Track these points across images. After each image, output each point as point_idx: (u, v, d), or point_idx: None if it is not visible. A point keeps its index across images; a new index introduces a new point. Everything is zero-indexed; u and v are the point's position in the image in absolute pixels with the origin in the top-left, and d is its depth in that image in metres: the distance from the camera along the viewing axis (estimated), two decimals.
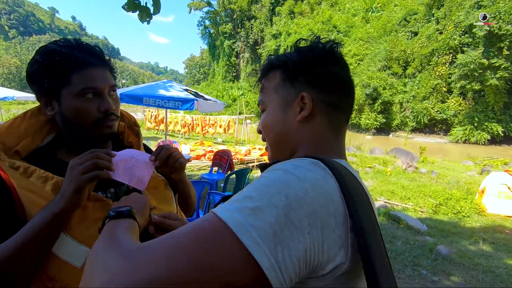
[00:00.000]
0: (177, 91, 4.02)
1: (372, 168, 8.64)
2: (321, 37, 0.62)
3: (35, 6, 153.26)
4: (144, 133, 14.39)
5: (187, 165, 6.94)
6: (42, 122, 0.75)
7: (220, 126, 12.17)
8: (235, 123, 11.65)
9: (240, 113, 12.94)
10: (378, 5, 30.32)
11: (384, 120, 24.39)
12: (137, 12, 2.07)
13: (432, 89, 21.99)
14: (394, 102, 24.35)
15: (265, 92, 0.62)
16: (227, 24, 40.96)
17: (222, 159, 4.44)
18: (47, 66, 0.68)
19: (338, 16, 32.22)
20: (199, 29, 44.25)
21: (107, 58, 0.78)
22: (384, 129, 25.03)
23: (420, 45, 23.50)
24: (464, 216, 4.60)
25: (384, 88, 24.44)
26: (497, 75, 18.17)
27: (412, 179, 7.66)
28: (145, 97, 3.66)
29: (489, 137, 19.09)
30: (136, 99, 3.67)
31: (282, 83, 0.59)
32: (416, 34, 25.13)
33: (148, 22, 2.02)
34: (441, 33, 22.03)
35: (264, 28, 37.84)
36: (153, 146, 10.54)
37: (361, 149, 12.37)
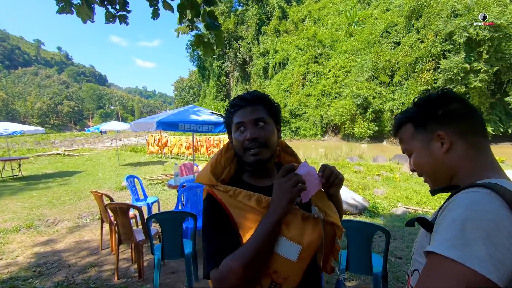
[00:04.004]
0: (206, 115, 4.17)
1: (380, 176, 8.85)
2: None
3: (20, 40, 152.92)
4: (146, 157, 14.34)
5: None
6: (232, 156, 0.98)
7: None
8: None
9: None
10: (359, 19, 31.75)
11: (377, 128, 25.02)
12: (201, 47, 2.24)
13: (419, 95, 22.73)
14: (385, 110, 25.08)
15: (405, 141, 0.82)
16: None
17: None
18: (226, 113, 0.98)
19: (322, 32, 33.51)
20: (187, 52, 45.04)
21: (257, 99, 0.95)
22: (377, 137, 25.60)
23: (404, 54, 24.57)
24: None
25: (374, 97, 25.22)
26: (479, 78, 19.12)
27: (421, 184, 7.87)
28: (180, 123, 3.79)
29: None
30: (172, 126, 3.80)
31: (416, 131, 0.78)
32: (398, 44, 26.31)
33: (212, 56, 2.20)
34: (422, 41, 23.14)
35: (251, 47, 38.87)
36: (160, 170, 10.52)
37: (364, 158, 12.65)
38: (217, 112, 4.40)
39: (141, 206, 4.53)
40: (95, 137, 36.19)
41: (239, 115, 0.92)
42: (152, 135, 13.67)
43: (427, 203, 6.04)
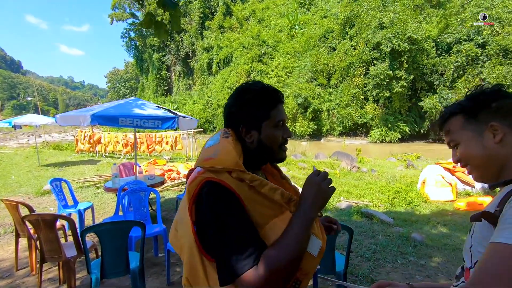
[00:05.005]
0: (152, 109, 3.71)
1: None
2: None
3: None
4: (75, 156, 12.63)
5: (162, 187, 6.27)
6: (241, 149, 0.88)
7: (167, 143, 11.54)
8: (183, 138, 11.18)
9: (176, 129, 12.42)
10: (300, 23, 33.29)
11: (316, 126, 26.63)
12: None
13: (352, 97, 24.97)
14: (323, 110, 26.82)
15: (453, 132, 0.82)
16: (155, 37, 39.34)
17: None
18: (256, 104, 0.87)
19: (266, 32, 34.21)
20: (123, 41, 41.34)
21: None
22: (316, 135, 27.26)
23: (339, 59, 26.59)
24: (415, 205, 5.39)
25: (313, 98, 26.74)
26: (400, 84, 21.83)
27: (358, 178, 8.55)
28: (121, 118, 3.28)
29: (399, 136, 22.62)
30: (111, 120, 3.26)
31: (467, 121, 0.79)
32: (334, 49, 28.35)
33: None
34: (355, 48, 25.36)
35: (195, 41, 37.62)
36: (92, 170, 9.34)
37: (306, 155, 13.25)
38: (162, 106, 3.99)
39: (70, 214, 3.88)
40: (6, 132, 30.73)
41: (281, 111, 0.90)
42: (81, 131, 12.05)
43: (365, 196, 6.54)
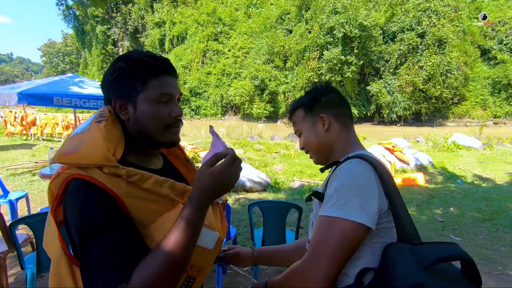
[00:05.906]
0: (93, 87, 3.35)
1: (278, 153, 9.62)
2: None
3: None
4: (4, 140, 11.12)
5: None
6: (121, 130, 0.74)
7: None
8: None
9: None
10: (257, 2, 32.65)
11: (272, 108, 27.03)
12: None
13: (307, 80, 25.63)
14: (279, 92, 27.22)
15: (297, 123, 0.98)
16: (92, 5, 35.36)
17: None
18: (129, 72, 0.72)
19: (222, 9, 32.96)
20: (59, 9, 36.48)
21: (175, 69, 0.80)
22: (272, 117, 27.74)
23: (295, 42, 26.89)
24: None
25: (270, 80, 26.92)
26: (351, 69, 23.01)
27: (310, 158, 8.98)
28: (56, 97, 2.90)
29: None
30: (44, 99, 2.86)
31: (305, 114, 0.95)
32: (291, 32, 28.55)
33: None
34: (310, 32, 25.79)
35: (144, 15, 34.78)
36: (27, 156, 8.36)
37: (263, 137, 13.45)
38: None
39: None
40: None
41: (167, 84, 0.74)
42: (11, 111, 10.58)
43: (317, 176, 6.93)
